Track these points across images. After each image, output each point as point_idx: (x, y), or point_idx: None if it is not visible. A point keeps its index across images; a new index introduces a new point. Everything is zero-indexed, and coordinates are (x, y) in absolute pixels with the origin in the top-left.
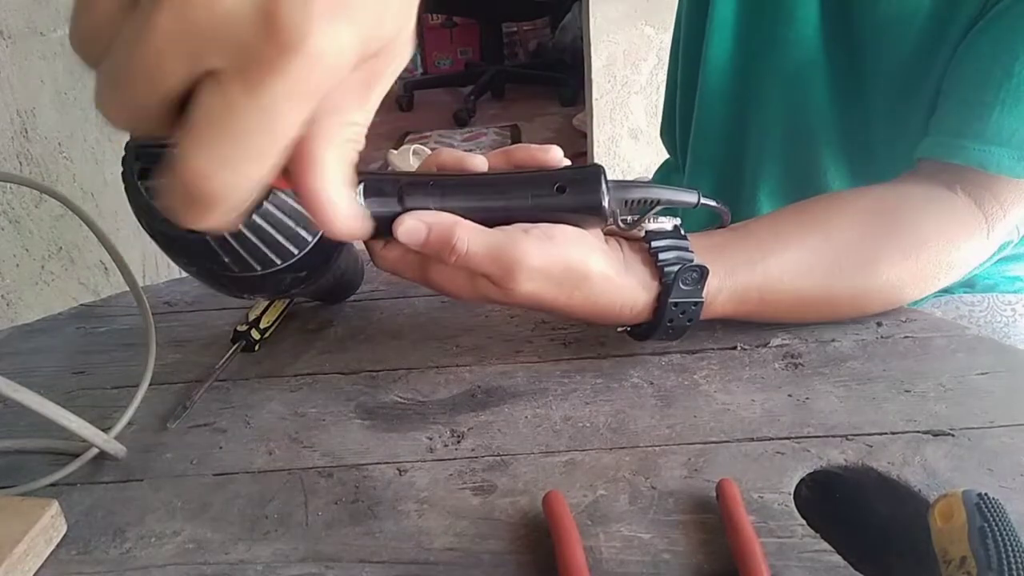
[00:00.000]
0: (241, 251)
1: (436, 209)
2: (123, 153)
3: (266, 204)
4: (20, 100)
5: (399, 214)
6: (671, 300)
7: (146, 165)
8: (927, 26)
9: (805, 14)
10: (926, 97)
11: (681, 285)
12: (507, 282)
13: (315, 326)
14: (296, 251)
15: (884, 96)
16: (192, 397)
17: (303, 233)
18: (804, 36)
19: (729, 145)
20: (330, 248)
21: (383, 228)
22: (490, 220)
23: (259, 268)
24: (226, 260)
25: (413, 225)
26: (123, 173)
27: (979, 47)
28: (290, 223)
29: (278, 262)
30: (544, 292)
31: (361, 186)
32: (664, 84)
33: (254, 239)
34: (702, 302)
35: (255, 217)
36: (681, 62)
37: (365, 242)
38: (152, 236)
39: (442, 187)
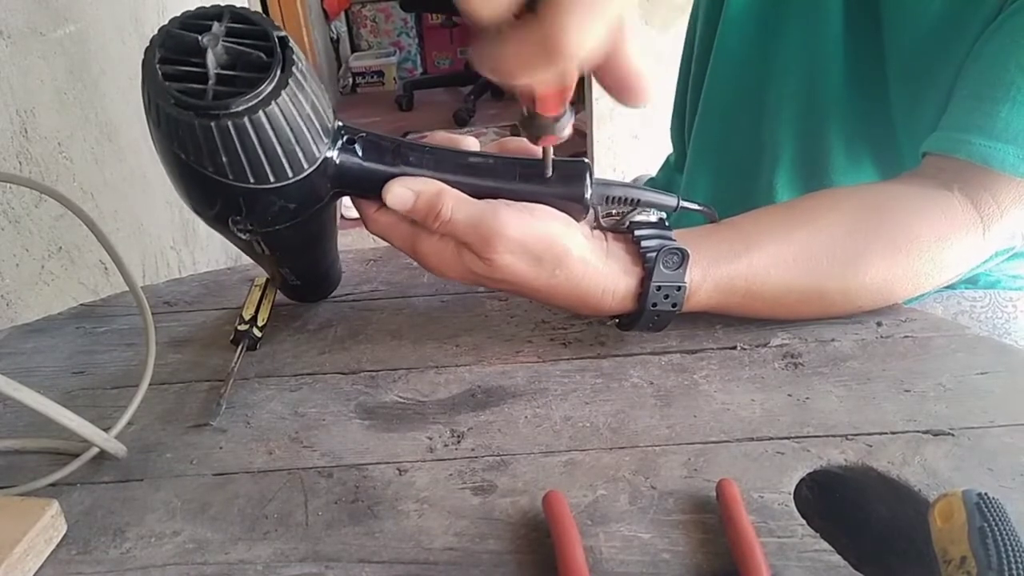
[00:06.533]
0: (241, 152)
1: (427, 177)
2: (143, 85)
3: (277, 111)
4: (20, 100)
5: (392, 176)
6: (654, 283)
7: (167, 53)
8: (944, 7)
9: None
10: (942, 87)
11: (662, 267)
12: (487, 252)
13: (315, 326)
14: (291, 174)
15: (901, 83)
16: (222, 394)
17: (302, 159)
18: (827, 8)
19: (741, 125)
20: (322, 191)
21: (377, 188)
22: (477, 196)
23: (252, 180)
24: (223, 160)
25: (401, 192)
26: (144, 60)
27: (993, 43)
28: (293, 141)
29: (271, 178)
30: (524, 267)
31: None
32: (664, 84)
33: (256, 143)
34: (684, 286)
35: (263, 118)
36: (696, 48)
37: (356, 205)
38: (157, 122)
39: (436, 157)
